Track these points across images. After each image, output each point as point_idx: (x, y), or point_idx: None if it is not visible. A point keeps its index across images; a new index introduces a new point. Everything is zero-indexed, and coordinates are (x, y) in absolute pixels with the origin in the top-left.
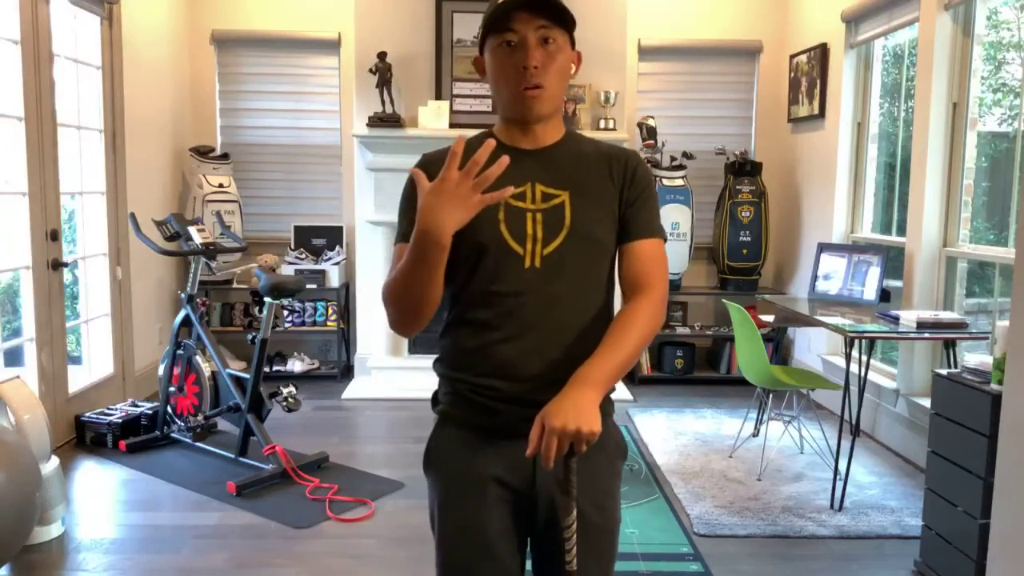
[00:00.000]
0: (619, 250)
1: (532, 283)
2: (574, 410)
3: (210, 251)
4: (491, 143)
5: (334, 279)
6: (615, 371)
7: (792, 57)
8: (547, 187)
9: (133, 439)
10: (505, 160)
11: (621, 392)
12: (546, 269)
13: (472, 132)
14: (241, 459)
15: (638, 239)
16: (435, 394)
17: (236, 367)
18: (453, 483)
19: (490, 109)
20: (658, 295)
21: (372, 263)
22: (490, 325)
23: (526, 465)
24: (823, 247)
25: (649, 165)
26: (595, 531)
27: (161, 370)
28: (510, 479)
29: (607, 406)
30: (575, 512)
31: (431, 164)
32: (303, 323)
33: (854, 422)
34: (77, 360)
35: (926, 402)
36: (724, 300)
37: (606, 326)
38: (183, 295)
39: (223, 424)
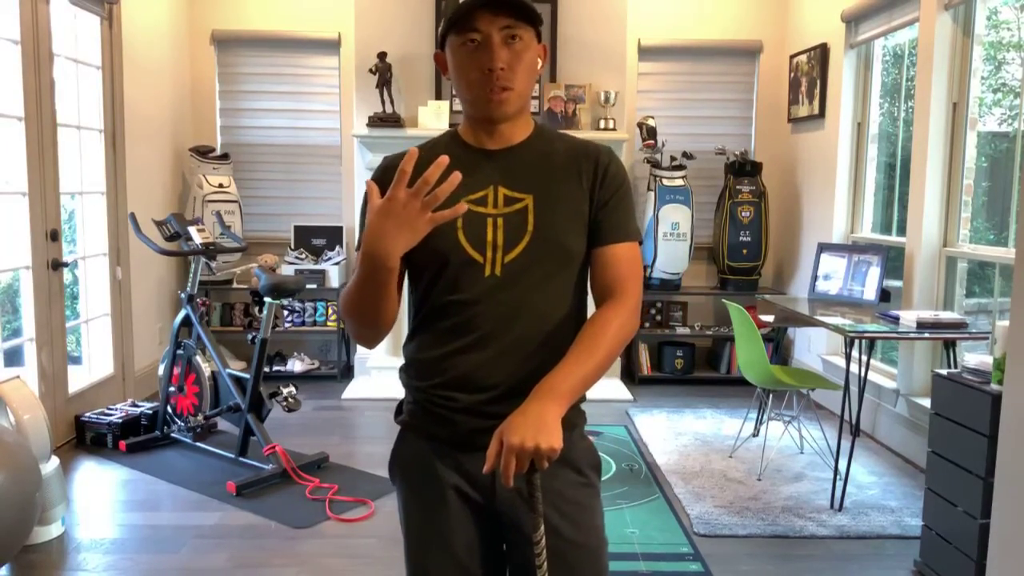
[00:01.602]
0: (591, 254)
1: (492, 292)
2: (534, 426)
3: (210, 251)
4: (443, 160)
5: (334, 279)
6: (582, 382)
7: (792, 57)
8: (510, 190)
9: (133, 439)
10: (457, 177)
11: (621, 392)
12: (507, 277)
13: None
14: (241, 459)
15: (611, 243)
16: (400, 403)
17: (236, 367)
18: (415, 493)
19: None
20: (632, 302)
21: None
22: (450, 335)
23: (484, 478)
24: (823, 247)
25: (649, 165)
26: (571, 547)
27: (161, 370)
28: (469, 491)
29: (576, 417)
30: (543, 528)
31: (391, 171)
32: (303, 323)
33: (854, 422)
34: (77, 360)
35: (926, 402)
36: (724, 300)
37: (574, 336)
38: (183, 295)
39: (223, 424)
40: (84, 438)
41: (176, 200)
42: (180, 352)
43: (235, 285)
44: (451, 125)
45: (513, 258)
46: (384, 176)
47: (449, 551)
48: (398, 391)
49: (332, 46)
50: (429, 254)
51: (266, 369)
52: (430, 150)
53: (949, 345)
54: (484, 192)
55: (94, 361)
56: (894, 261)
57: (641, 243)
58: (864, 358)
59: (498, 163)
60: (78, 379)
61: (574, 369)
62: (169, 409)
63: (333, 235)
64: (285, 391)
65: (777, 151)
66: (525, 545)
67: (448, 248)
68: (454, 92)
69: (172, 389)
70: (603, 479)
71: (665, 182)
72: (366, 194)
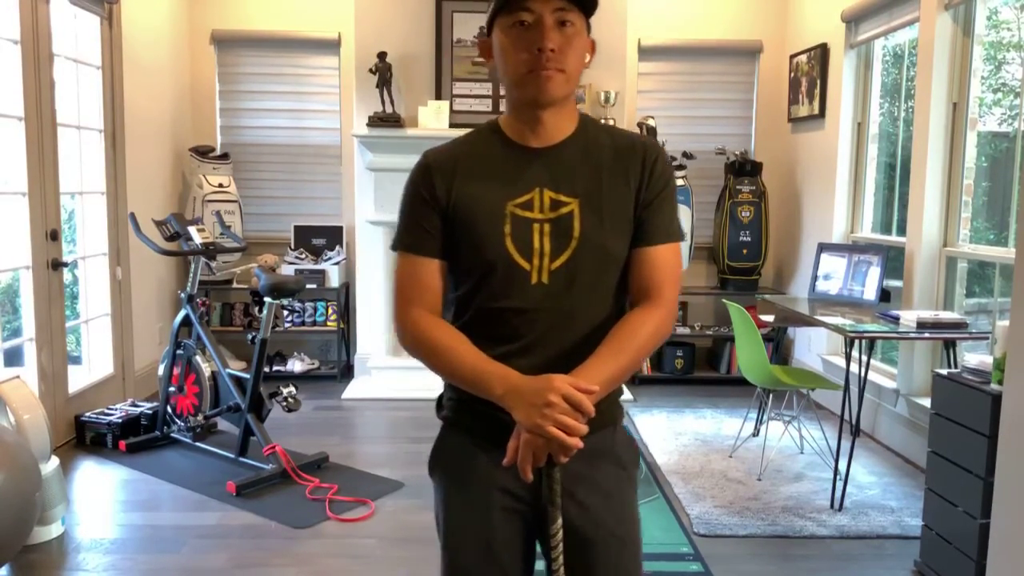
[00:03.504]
0: (631, 253)
1: (539, 299)
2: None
3: (210, 251)
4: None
5: (334, 279)
6: (608, 380)
7: (792, 57)
8: (556, 193)
9: (133, 439)
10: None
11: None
12: (554, 284)
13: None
14: (241, 459)
15: (652, 244)
16: (440, 398)
17: (236, 367)
18: (458, 489)
19: (489, 109)
20: (668, 304)
21: (372, 263)
22: (496, 341)
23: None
24: (823, 247)
25: None
26: (616, 540)
27: (161, 370)
28: (515, 489)
29: (616, 413)
30: (559, 522)
31: (436, 165)
32: (303, 323)
33: (854, 422)
34: (77, 360)
35: (926, 402)
36: (724, 300)
37: None
38: (183, 295)
39: (223, 424)
40: (84, 438)
41: (176, 200)
42: (180, 352)
43: (235, 285)
44: (451, 125)
45: (559, 265)
46: (428, 173)
47: (487, 548)
48: (398, 391)
49: (332, 46)
50: (478, 261)
51: (266, 369)
52: (471, 143)
53: (949, 345)
54: (530, 196)
55: (94, 361)
56: (894, 261)
57: (683, 239)
58: (864, 358)
59: (543, 163)
60: (78, 379)
61: (601, 367)
62: (169, 409)
63: (333, 235)
64: (285, 391)
65: (777, 151)
66: (567, 544)
67: (496, 256)
68: (494, 86)
69: (172, 389)
70: None
71: None
72: (410, 184)
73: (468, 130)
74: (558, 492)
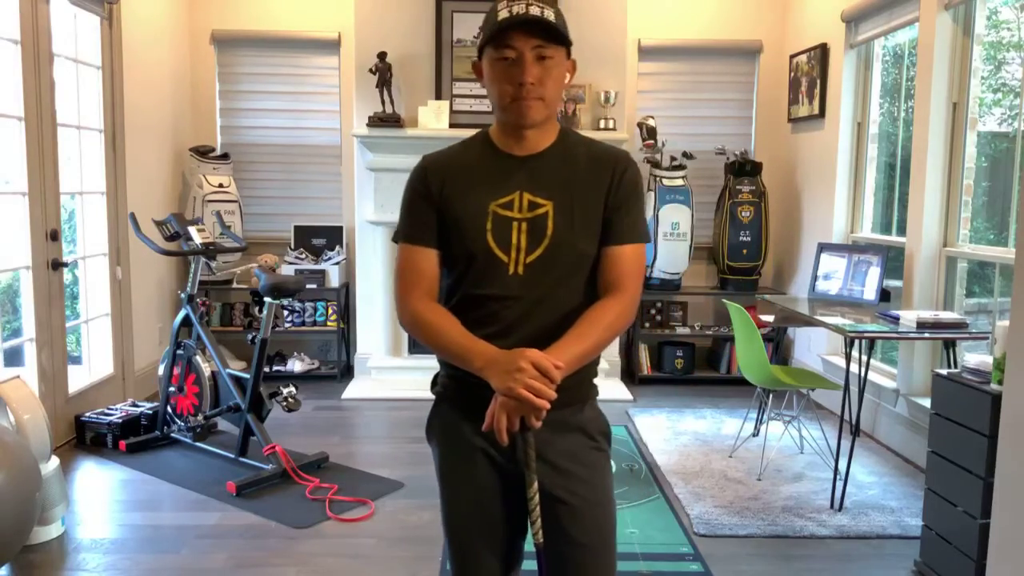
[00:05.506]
0: (600, 251)
1: (515, 288)
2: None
3: (210, 251)
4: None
5: (334, 279)
6: (573, 358)
7: (792, 57)
8: (533, 196)
9: (133, 439)
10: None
11: (621, 392)
12: (529, 276)
13: (472, 132)
14: (241, 459)
15: (618, 244)
16: (436, 375)
17: (236, 367)
18: (448, 453)
19: (489, 109)
20: (629, 296)
21: (372, 263)
22: (478, 324)
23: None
24: (823, 247)
25: (649, 165)
26: (587, 504)
27: (161, 370)
28: (493, 453)
29: (588, 390)
30: (536, 485)
31: (432, 168)
32: (303, 323)
33: (854, 422)
34: (77, 360)
35: (926, 402)
36: (724, 300)
37: None
38: (183, 295)
39: (223, 424)
40: (84, 438)
41: (176, 200)
42: (180, 352)
43: (235, 285)
44: (451, 125)
45: (534, 259)
46: (425, 175)
47: (477, 502)
48: (398, 391)
49: (332, 46)
50: (463, 252)
51: (266, 369)
52: (464, 151)
53: (949, 345)
54: (511, 197)
55: (94, 361)
56: (894, 261)
57: (648, 241)
58: (864, 358)
59: (524, 170)
60: (78, 379)
61: (568, 347)
62: (169, 409)
63: (333, 235)
64: (285, 391)
65: (777, 151)
66: (543, 502)
67: (478, 249)
68: (488, 99)
69: (172, 389)
70: None
71: (665, 182)
72: (411, 181)
73: (468, 131)
74: (532, 457)
